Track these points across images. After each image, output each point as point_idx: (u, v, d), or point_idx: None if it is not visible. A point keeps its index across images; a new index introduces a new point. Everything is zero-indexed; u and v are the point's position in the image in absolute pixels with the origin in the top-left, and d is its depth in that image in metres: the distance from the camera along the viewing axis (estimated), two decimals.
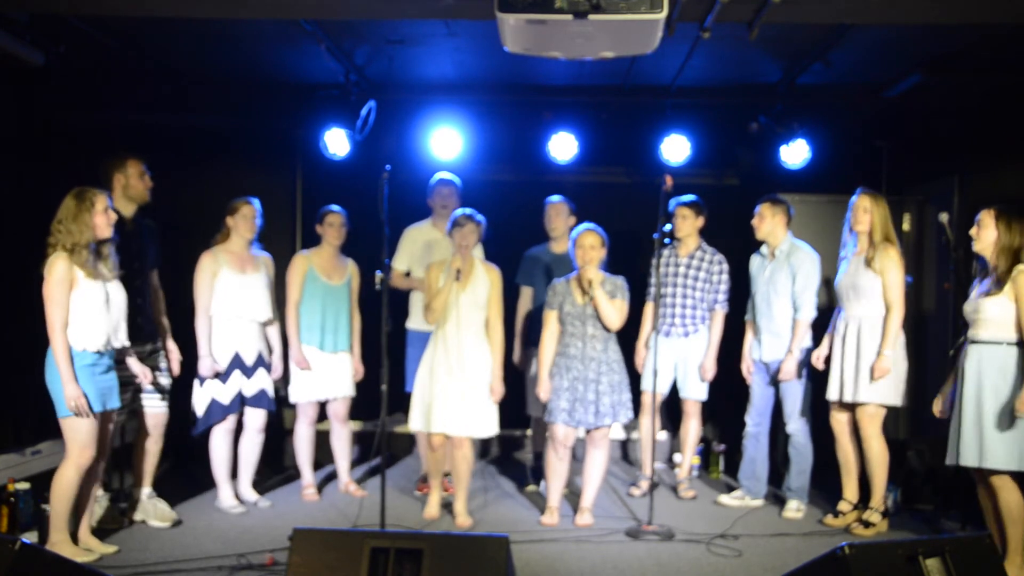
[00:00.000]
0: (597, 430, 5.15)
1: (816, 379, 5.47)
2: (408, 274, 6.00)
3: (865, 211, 5.11)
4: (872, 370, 5.02)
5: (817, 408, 5.46)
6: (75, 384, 4.25)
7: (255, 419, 5.46)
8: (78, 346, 4.29)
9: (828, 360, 5.32)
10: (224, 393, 5.29)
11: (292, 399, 5.67)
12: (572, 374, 5.09)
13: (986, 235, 4.43)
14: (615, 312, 5.05)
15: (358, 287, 5.79)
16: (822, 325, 5.49)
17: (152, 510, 5.08)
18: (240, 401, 5.36)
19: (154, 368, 5.06)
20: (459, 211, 5.31)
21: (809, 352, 5.46)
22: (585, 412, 5.08)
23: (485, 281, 5.21)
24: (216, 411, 5.28)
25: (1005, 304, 4.33)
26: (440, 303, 5.14)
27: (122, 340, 4.51)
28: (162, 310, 5.28)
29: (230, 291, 5.29)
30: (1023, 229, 4.36)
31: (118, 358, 4.65)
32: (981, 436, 4.35)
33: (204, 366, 5.25)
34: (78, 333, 4.29)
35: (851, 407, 5.22)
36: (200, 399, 5.29)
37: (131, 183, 5.03)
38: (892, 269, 5.04)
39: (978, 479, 4.49)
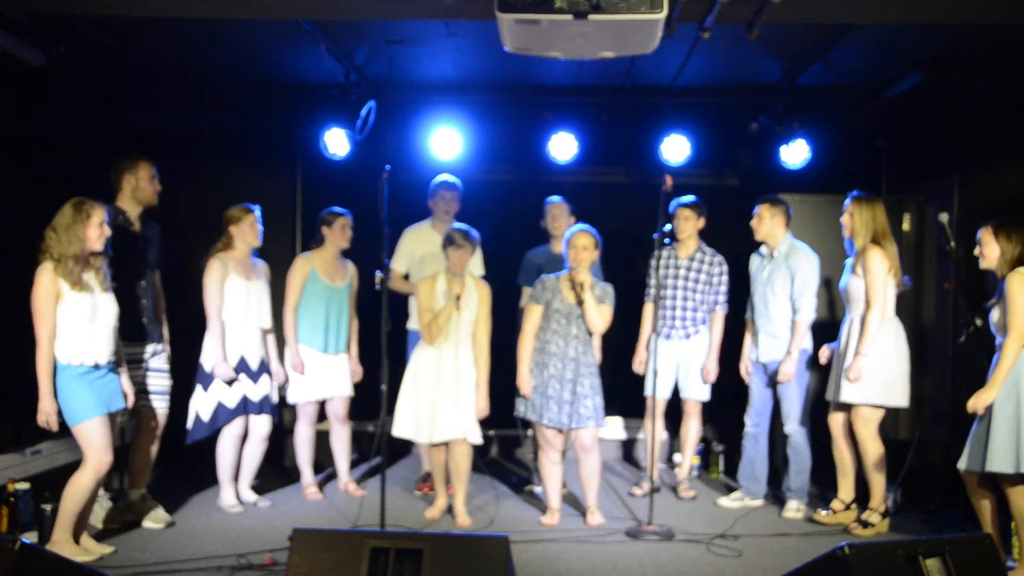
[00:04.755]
0: (584, 432, 5.13)
1: (814, 380, 5.47)
2: (407, 276, 5.99)
3: (850, 216, 5.13)
4: (850, 371, 5.03)
5: (815, 408, 5.46)
6: (51, 399, 4.26)
7: (261, 427, 5.46)
8: (63, 359, 4.29)
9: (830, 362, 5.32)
10: (230, 396, 5.28)
11: (291, 399, 5.67)
12: (548, 371, 5.08)
13: (990, 252, 4.46)
14: (601, 318, 5.05)
15: (357, 289, 5.80)
16: (821, 327, 5.49)
17: (147, 512, 5.08)
18: (244, 405, 5.36)
19: (155, 370, 5.11)
20: (454, 228, 5.27)
21: (807, 353, 5.46)
22: (559, 412, 5.06)
23: (475, 297, 5.23)
24: (223, 414, 5.28)
25: None
26: (440, 327, 5.14)
27: (107, 355, 4.45)
28: (163, 311, 5.29)
29: (238, 297, 5.30)
30: (1021, 236, 4.38)
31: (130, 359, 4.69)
32: (999, 441, 4.32)
33: (222, 371, 5.24)
34: (63, 346, 4.29)
35: (846, 408, 5.22)
36: (206, 403, 5.26)
37: (141, 185, 5.05)
38: (872, 268, 5.02)
39: (977, 484, 4.48)
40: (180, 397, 5.32)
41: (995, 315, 4.46)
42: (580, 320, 5.08)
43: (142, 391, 5.07)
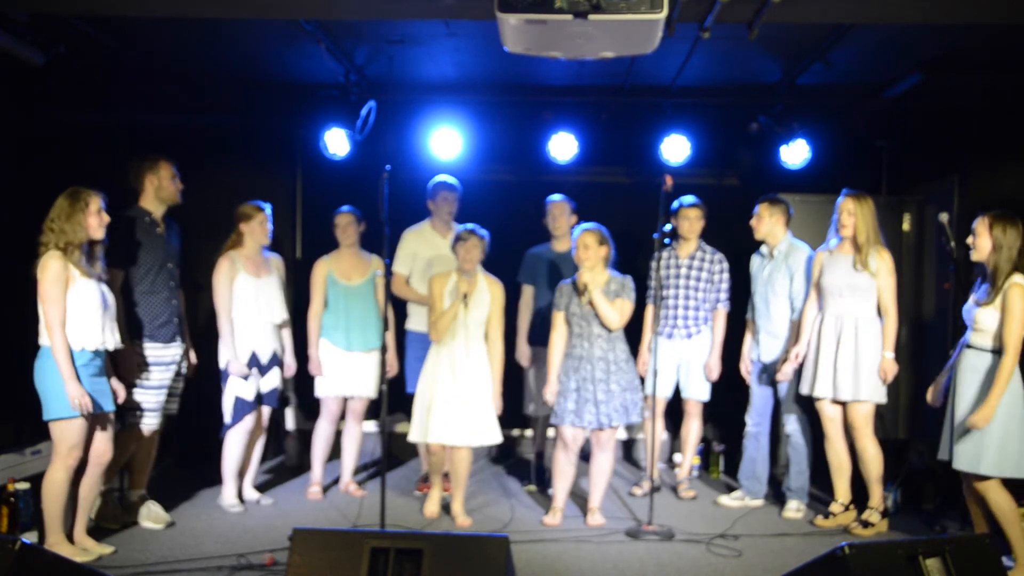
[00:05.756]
0: (604, 431, 5.14)
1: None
2: (408, 279, 5.97)
3: (849, 214, 5.10)
4: (882, 372, 5.04)
5: (814, 408, 5.45)
6: (77, 383, 4.22)
7: (262, 416, 5.51)
8: (76, 345, 4.27)
9: (815, 357, 5.27)
10: (247, 390, 5.32)
11: (317, 393, 5.71)
12: (580, 375, 5.08)
13: (982, 243, 4.47)
14: (614, 312, 5.04)
15: (385, 281, 5.76)
16: None
17: (146, 512, 5.07)
18: (259, 399, 5.42)
19: (181, 374, 5.17)
20: (463, 226, 5.30)
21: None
22: (594, 413, 5.06)
23: (488, 295, 5.22)
24: (241, 408, 5.31)
25: (996, 315, 4.37)
26: (445, 324, 5.15)
27: (116, 341, 4.48)
28: (184, 311, 5.32)
29: (247, 294, 5.34)
30: (1017, 231, 4.39)
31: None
32: (957, 438, 4.41)
33: (235, 367, 5.29)
34: (75, 332, 4.27)
35: (843, 405, 5.21)
36: (224, 399, 5.32)
37: (163, 185, 5.08)
38: (887, 273, 5.05)
39: (964, 481, 4.51)
40: (185, 396, 5.33)
41: (981, 315, 4.41)
42: (599, 318, 5.09)
43: (170, 394, 5.11)
